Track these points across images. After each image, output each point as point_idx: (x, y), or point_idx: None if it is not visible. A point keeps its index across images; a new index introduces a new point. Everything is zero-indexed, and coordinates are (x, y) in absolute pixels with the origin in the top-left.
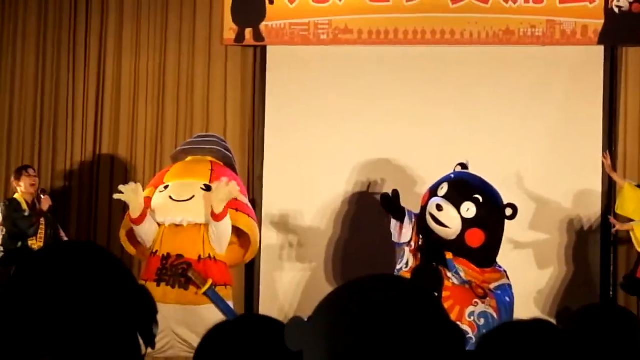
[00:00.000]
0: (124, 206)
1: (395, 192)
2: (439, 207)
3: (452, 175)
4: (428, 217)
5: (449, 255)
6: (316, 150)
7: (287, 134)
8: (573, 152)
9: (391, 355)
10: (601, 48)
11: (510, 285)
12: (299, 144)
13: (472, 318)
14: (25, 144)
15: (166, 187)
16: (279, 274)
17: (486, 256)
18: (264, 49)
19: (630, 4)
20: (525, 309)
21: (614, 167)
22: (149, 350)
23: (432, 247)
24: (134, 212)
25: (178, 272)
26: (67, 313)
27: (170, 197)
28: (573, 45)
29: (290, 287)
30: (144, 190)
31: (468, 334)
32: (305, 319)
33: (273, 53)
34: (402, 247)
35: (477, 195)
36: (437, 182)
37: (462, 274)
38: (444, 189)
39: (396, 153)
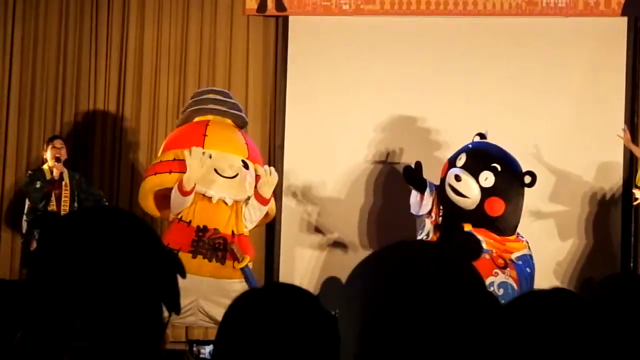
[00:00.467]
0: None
1: (418, 164)
2: (457, 178)
3: (470, 145)
4: (447, 188)
5: (467, 227)
6: (337, 120)
7: (308, 104)
8: (595, 123)
9: (424, 321)
10: (624, 19)
11: (531, 256)
12: (320, 113)
13: (492, 288)
14: (47, 116)
15: (208, 156)
16: (300, 245)
17: (507, 225)
18: (285, 19)
19: None
20: (547, 280)
21: (635, 139)
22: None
23: (452, 218)
24: (189, 182)
25: (215, 246)
26: (95, 277)
27: (216, 171)
28: (596, 17)
29: (310, 259)
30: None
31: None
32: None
33: (295, 23)
34: (422, 218)
35: (495, 164)
36: (455, 152)
37: (483, 244)
38: (462, 160)
39: (417, 123)
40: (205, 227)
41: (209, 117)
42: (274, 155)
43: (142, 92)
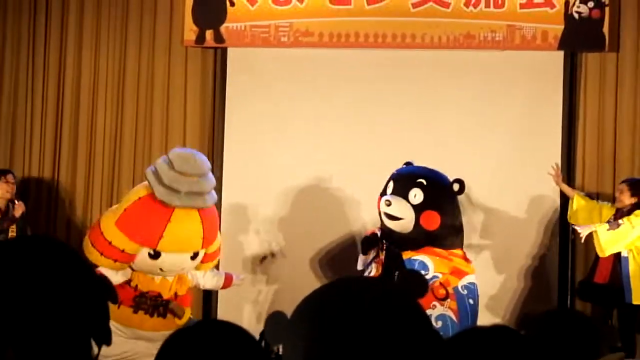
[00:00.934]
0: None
1: (375, 236)
2: (388, 203)
3: (395, 172)
4: (383, 217)
5: (406, 255)
6: (276, 153)
7: (247, 136)
8: (533, 156)
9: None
10: (561, 53)
11: (476, 285)
12: (259, 146)
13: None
14: None
15: (157, 255)
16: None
17: (449, 236)
18: (224, 51)
19: (590, 9)
20: (482, 314)
21: (572, 172)
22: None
23: (391, 254)
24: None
25: (157, 302)
26: (25, 305)
27: (160, 269)
28: (533, 50)
29: (251, 293)
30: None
31: None
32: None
33: (234, 55)
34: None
35: (420, 180)
36: (385, 184)
37: (430, 266)
38: (390, 187)
39: (356, 155)
40: (147, 292)
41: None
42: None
43: (80, 122)
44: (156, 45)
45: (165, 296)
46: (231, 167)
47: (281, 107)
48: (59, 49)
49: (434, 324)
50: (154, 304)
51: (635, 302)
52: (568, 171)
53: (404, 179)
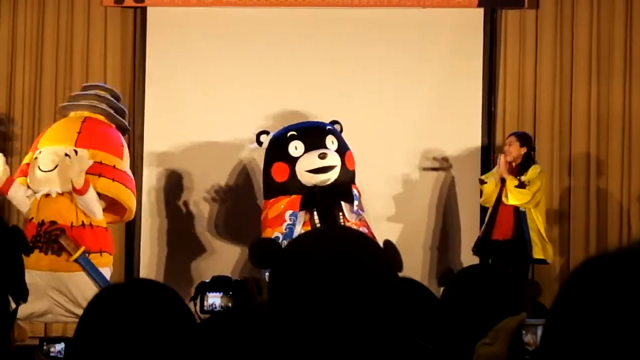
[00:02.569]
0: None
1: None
2: (323, 155)
3: (291, 132)
4: (313, 176)
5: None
6: (197, 113)
7: (167, 97)
8: (454, 113)
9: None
10: (481, 10)
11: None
12: (179, 106)
13: None
14: None
15: (39, 154)
16: (160, 239)
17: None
18: (144, 10)
19: None
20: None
21: (493, 127)
22: (29, 312)
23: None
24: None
25: (51, 239)
26: None
27: (39, 167)
28: (454, 7)
29: (172, 254)
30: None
31: None
32: None
33: (153, 14)
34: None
35: (327, 127)
36: (278, 154)
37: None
38: (299, 148)
39: (278, 114)
40: (43, 221)
41: (85, 113)
42: (134, 148)
43: None
44: (75, 4)
45: (61, 222)
46: (152, 129)
47: (202, 67)
48: None
49: None
50: (48, 240)
51: (536, 256)
52: (489, 127)
53: (312, 133)
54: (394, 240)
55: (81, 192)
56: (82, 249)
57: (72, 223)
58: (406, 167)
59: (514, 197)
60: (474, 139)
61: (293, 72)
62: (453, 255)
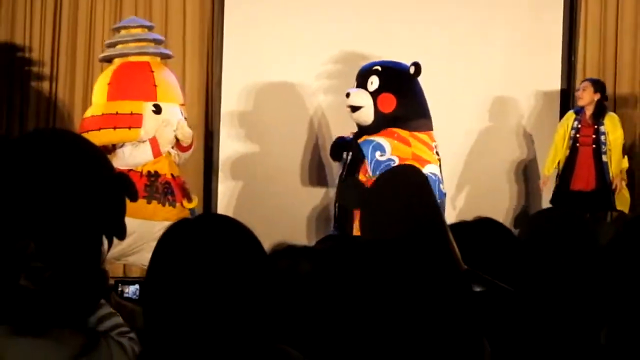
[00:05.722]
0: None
1: (342, 139)
2: (347, 95)
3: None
4: (349, 114)
5: (362, 139)
6: (276, 56)
7: (247, 37)
8: (533, 60)
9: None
10: None
11: (440, 181)
12: (259, 47)
13: None
14: None
15: (158, 109)
16: (239, 184)
17: (407, 118)
18: None
19: None
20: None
21: (573, 78)
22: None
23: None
24: (187, 138)
25: (166, 190)
26: (46, 199)
27: (164, 124)
28: None
29: (249, 199)
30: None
31: None
32: None
33: None
34: None
35: (376, 67)
36: None
37: (387, 148)
38: (355, 84)
39: (360, 55)
40: (156, 172)
41: (146, 58)
42: (212, 93)
43: (78, 28)
44: None
45: (166, 176)
46: (231, 71)
47: (283, 6)
48: None
49: None
50: (164, 192)
51: (619, 207)
52: (568, 76)
53: (364, 72)
54: (469, 188)
55: (187, 149)
56: (196, 199)
57: (172, 174)
58: (483, 113)
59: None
60: (554, 88)
61: (376, 12)
62: (533, 204)
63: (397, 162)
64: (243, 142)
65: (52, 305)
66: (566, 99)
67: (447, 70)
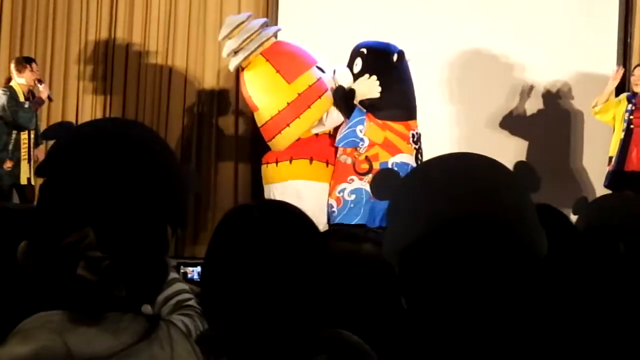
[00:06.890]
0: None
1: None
2: (334, 72)
3: None
4: None
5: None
6: (331, 16)
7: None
8: (588, 43)
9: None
10: None
11: (410, 167)
12: (313, 9)
13: (341, 194)
14: (38, 42)
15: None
16: None
17: (388, 104)
18: None
19: None
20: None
21: (630, 52)
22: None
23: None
24: None
25: None
26: (108, 188)
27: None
28: None
29: None
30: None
31: (332, 207)
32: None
33: None
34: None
35: (362, 49)
36: None
37: (364, 127)
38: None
39: (414, 29)
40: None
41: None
42: None
43: (135, 5)
44: None
45: None
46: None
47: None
48: None
49: (346, 197)
50: None
51: None
52: (624, 59)
53: (353, 51)
54: None
55: None
56: None
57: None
58: (537, 98)
59: None
60: (609, 71)
61: None
62: (585, 187)
63: (365, 144)
64: None
65: (109, 295)
66: (621, 84)
67: (505, 54)
